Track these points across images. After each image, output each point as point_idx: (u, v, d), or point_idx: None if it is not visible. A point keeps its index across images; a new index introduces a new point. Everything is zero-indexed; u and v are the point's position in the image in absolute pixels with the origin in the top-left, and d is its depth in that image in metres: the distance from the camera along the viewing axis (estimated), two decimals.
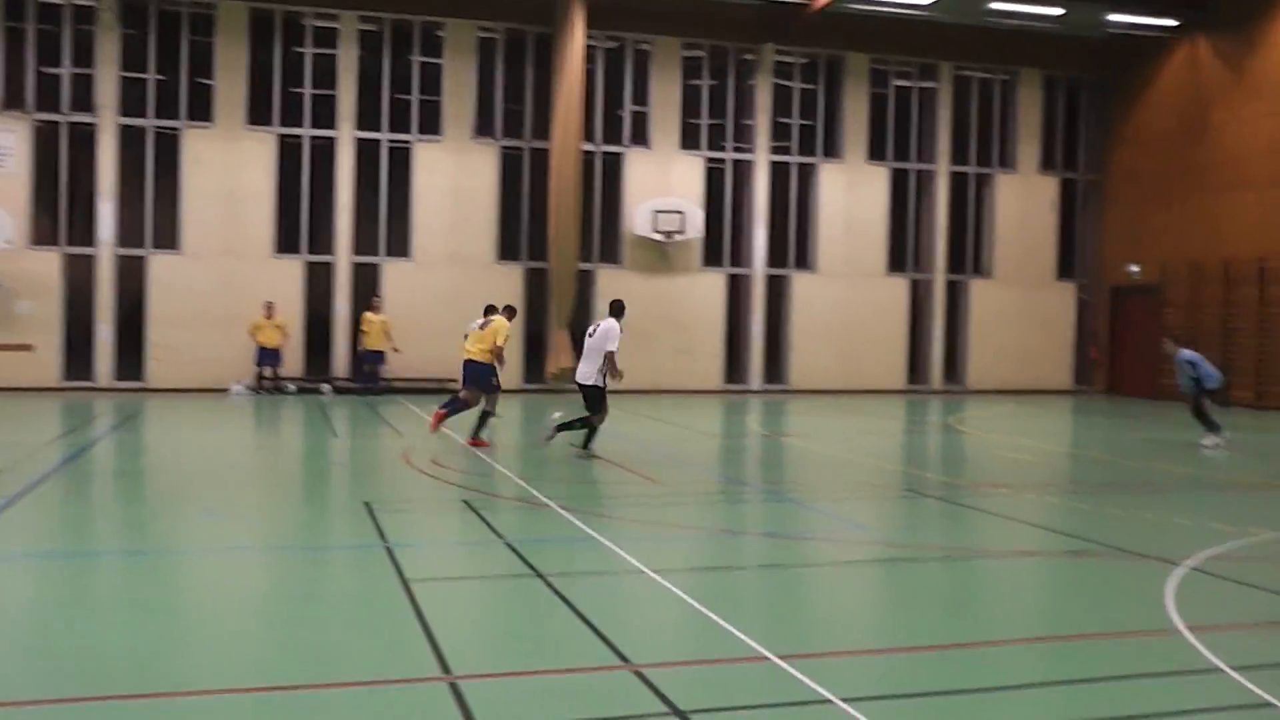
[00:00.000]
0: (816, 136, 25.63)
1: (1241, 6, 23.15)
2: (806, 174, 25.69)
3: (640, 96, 24.84)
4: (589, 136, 24.42)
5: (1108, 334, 27.09)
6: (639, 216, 24.19)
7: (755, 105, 25.25)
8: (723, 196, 25.22)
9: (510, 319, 14.60)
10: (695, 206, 24.49)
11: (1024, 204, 26.87)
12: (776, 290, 25.59)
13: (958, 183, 26.60)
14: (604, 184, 24.75)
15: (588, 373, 13.26)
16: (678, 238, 24.18)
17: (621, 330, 13.22)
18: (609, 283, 24.52)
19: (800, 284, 25.45)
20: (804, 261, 25.77)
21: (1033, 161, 26.92)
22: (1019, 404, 23.70)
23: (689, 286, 24.90)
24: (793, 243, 25.63)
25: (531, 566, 7.83)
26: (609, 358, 13.05)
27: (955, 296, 26.77)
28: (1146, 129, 25.91)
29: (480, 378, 14.43)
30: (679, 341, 24.79)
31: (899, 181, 26.21)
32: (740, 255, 25.50)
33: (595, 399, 13.32)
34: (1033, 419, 21.16)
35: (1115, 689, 5.63)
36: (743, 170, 25.44)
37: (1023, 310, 26.74)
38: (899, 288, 26.05)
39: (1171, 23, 24.58)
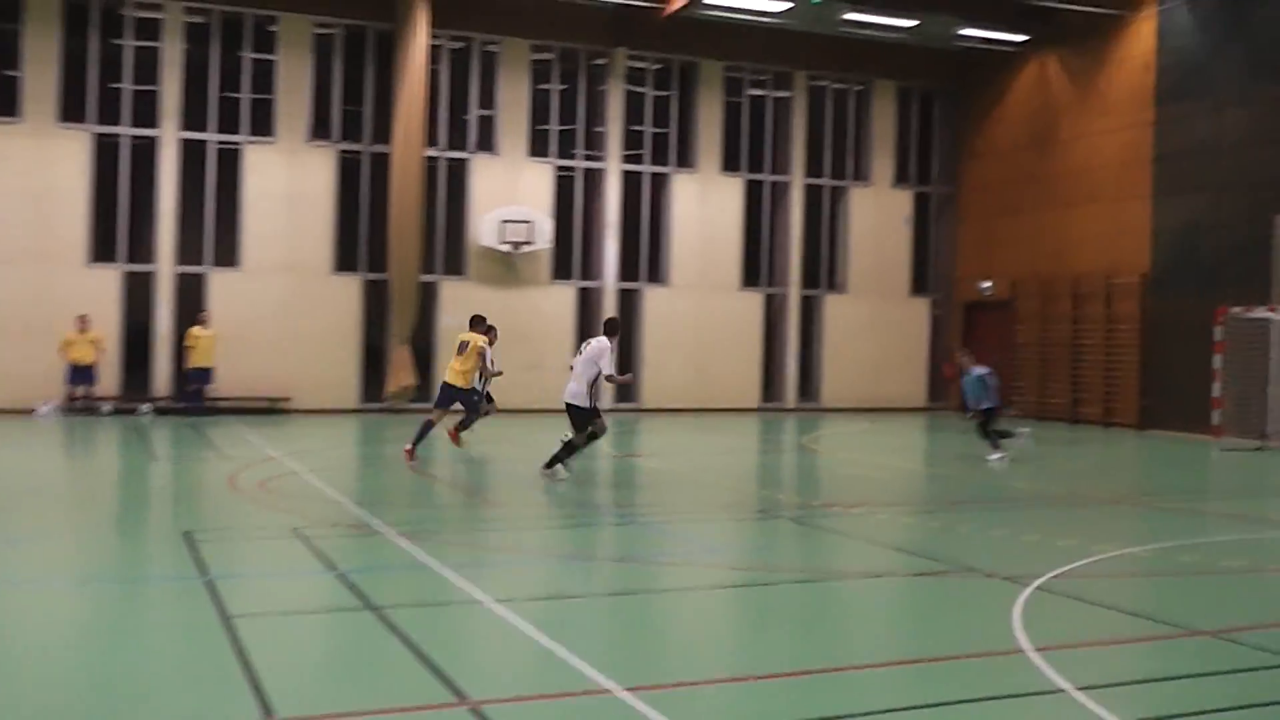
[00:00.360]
0: (670, 145, 25.89)
1: (1088, 24, 24.27)
2: (659, 184, 25.93)
3: (487, 100, 24.72)
4: (433, 141, 24.18)
5: (961, 350, 27.95)
6: (485, 226, 24.04)
7: (607, 112, 25.38)
8: (573, 206, 25.26)
9: (490, 335, 15.36)
10: (544, 216, 24.46)
11: (878, 217, 27.60)
12: (628, 304, 25.72)
13: (812, 195, 27.18)
14: (448, 191, 24.53)
15: (576, 392, 13.38)
16: (526, 249, 24.10)
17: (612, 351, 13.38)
18: (453, 295, 24.29)
19: (652, 298, 25.64)
20: (656, 274, 25.97)
21: (887, 174, 27.69)
22: (873, 421, 24.29)
23: (538, 299, 24.84)
24: (645, 255, 25.82)
25: (364, 598, 7.68)
26: (598, 378, 13.18)
27: (810, 311, 27.31)
28: (998, 142, 26.91)
29: (458, 399, 15.14)
30: (527, 357, 24.68)
31: (753, 193, 26.66)
32: (591, 267, 25.57)
33: (583, 419, 13.40)
34: (886, 436, 21.68)
35: (963, 713, 5.78)
36: (594, 179, 25.53)
37: (877, 326, 27.43)
38: (753, 302, 26.46)
39: (1021, 38, 25.60)
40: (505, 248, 24.02)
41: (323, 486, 12.74)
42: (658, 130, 25.85)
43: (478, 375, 14.67)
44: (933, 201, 28.37)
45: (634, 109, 25.74)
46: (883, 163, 27.61)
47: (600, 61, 25.44)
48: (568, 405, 13.50)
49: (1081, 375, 24.39)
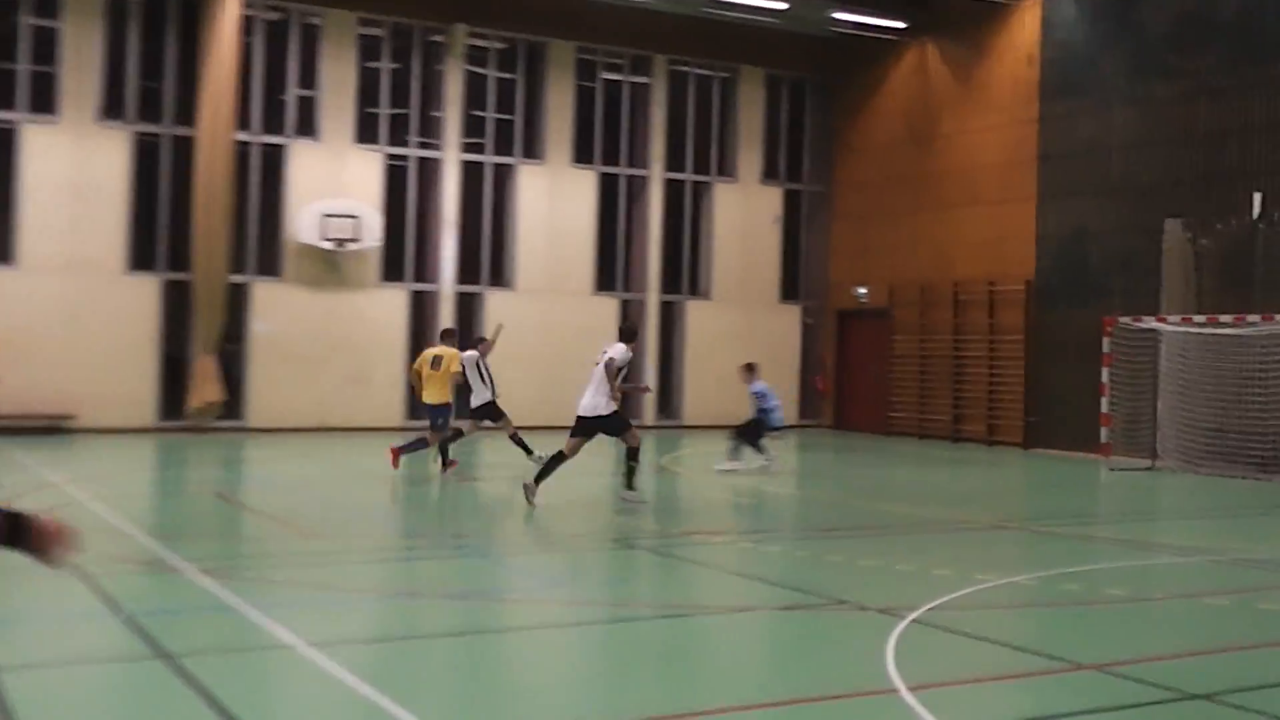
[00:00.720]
0: (515, 134, 25.85)
1: (969, 12, 25.03)
2: (503, 176, 25.85)
3: (308, 79, 24.33)
4: (244, 124, 23.69)
5: (834, 362, 28.54)
6: (305, 221, 23.64)
7: (445, 95, 25.22)
8: (405, 200, 25.01)
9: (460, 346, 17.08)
10: (373, 210, 24.17)
11: (745, 217, 27.98)
12: (468, 309, 25.57)
13: (673, 191, 27.43)
14: (263, 181, 24.05)
15: (593, 404, 13.73)
16: (351, 246, 23.78)
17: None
18: (267, 298, 23.82)
19: (496, 303, 25.52)
20: (500, 277, 25.87)
21: (754, 170, 28.10)
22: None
23: (364, 304, 24.52)
24: (487, 255, 25.70)
25: (155, 645, 7.43)
26: (609, 371, 13.63)
27: (670, 319, 27.54)
28: (874, 137, 27.55)
29: (440, 416, 16.55)
30: (351, 369, 24.33)
31: (608, 188, 26.78)
32: (426, 268, 25.34)
33: (617, 426, 13.88)
34: (753, 457, 21.93)
35: None
36: (429, 170, 25.32)
37: (744, 335, 27.76)
38: (607, 309, 26.56)
39: (899, 24, 26.26)
40: (327, 245, 23.65)
41: (111, 517, 12.33)
42: (502, 117, 25.78)
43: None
44: (804, 200, 28.88)
45: (475, 92, 25.63)
46: (750, 157, 28.01)
47: (437, 39, 25.28)
48: (587, 419, 13.68)
49: (963, 390, 25.07)
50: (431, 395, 16.65)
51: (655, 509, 15.35)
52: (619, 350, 14.01)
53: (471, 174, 25.58)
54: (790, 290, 28.74)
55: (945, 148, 25.70)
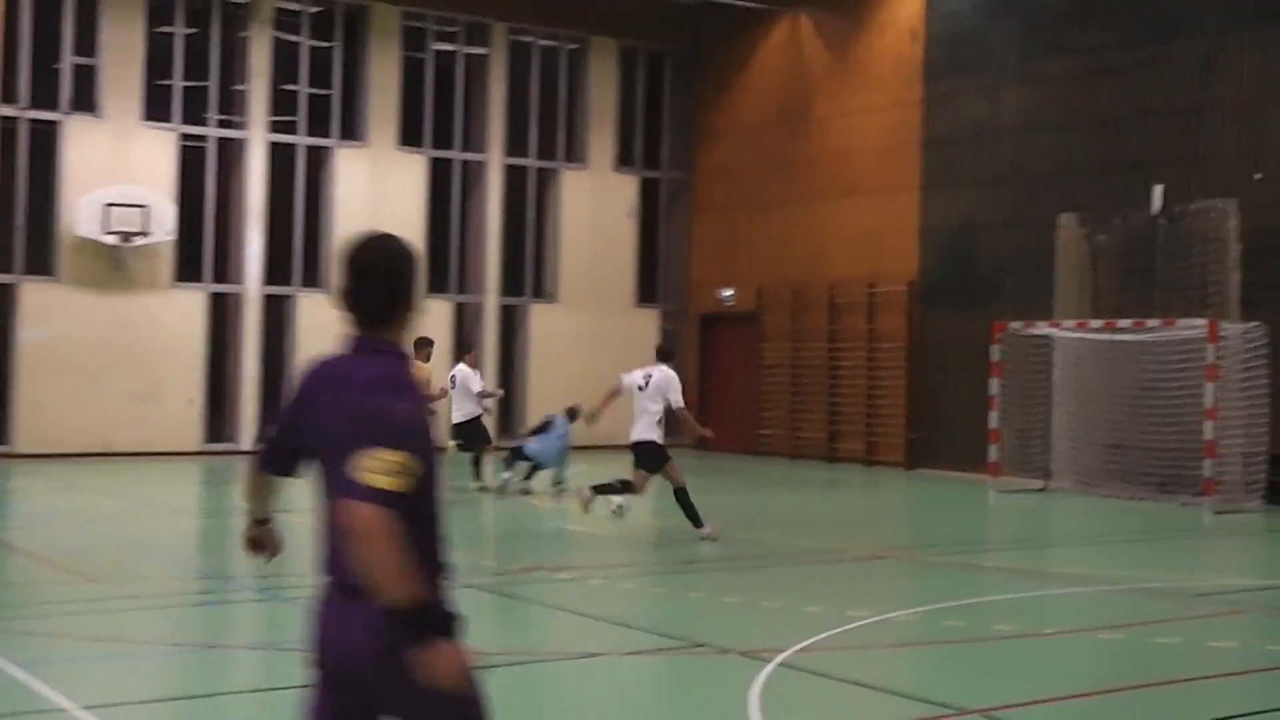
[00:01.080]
0: (332, 112, 25.59)
1: None
2: (318, 160, 25.58)
3: (86, 45, 23.77)
4: (9, 96, 23.08)
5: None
6: (83, 211, 23.10)
7: (249, 66, 24.86)
8: (203, 187, 24.60)
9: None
10: (164, 199, 23.71)
11: (596, 208, 28.08)
12: (277, 314, 25.22)
13: (514, 179, 27.41)
14: (31, 164, 23.43)
15: (647, 429, 14.68)
16: (139, 241, 23.31)
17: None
18: (39, 301, 23.21)
19: (309, 307, 25.22)
20: (313, 277, 25.58)
21: (607, 155, 28.24)
22: (590, 462, 24.56)
23: (155, 308, 24.04)
24: (299, 251, 25.39)
25: None
26: (682, 415, 14.84)
27: (511, 324, 27.51)
28: (742, 119, 27.89)
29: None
30: (140, 384, 23.82)
31: (440, 174, 26.66)
32: (229, 267, 24.95)
33: (655, 459, 14.62)
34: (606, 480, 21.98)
35: None
36: (231, 152, 24.93)
37: (595, 342, 27.82)
38: (440, 312, 26.39)
39: None
40: (111, 240, 23.15)
41: None
42: (316, 92, 25.52)
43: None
44: (663, 190, 29.10)
45: (285, 64, 25.32)
46: (602, 141, 28.14)
47: (240, 0, 24.92)
48: (639, 444, 14.68)
49: (840, 404, 25.45)
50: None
51: (493, 541, 15.32)
52: (666, 374, 14.93)
53: (281, 157, 25.24)
54: (647, 292, 28.92)
55: (820, 131, 26.12)
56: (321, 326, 25.26)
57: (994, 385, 20.61)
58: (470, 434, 19.30)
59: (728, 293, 27.87)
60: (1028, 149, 22.38)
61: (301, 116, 25.38)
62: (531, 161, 27.51)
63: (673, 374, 14.96)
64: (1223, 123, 19.93)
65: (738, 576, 12.48)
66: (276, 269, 25.20)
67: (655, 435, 14.72)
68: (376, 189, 25.88)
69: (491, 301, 27.01)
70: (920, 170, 24.09)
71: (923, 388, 24.02)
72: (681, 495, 14.53)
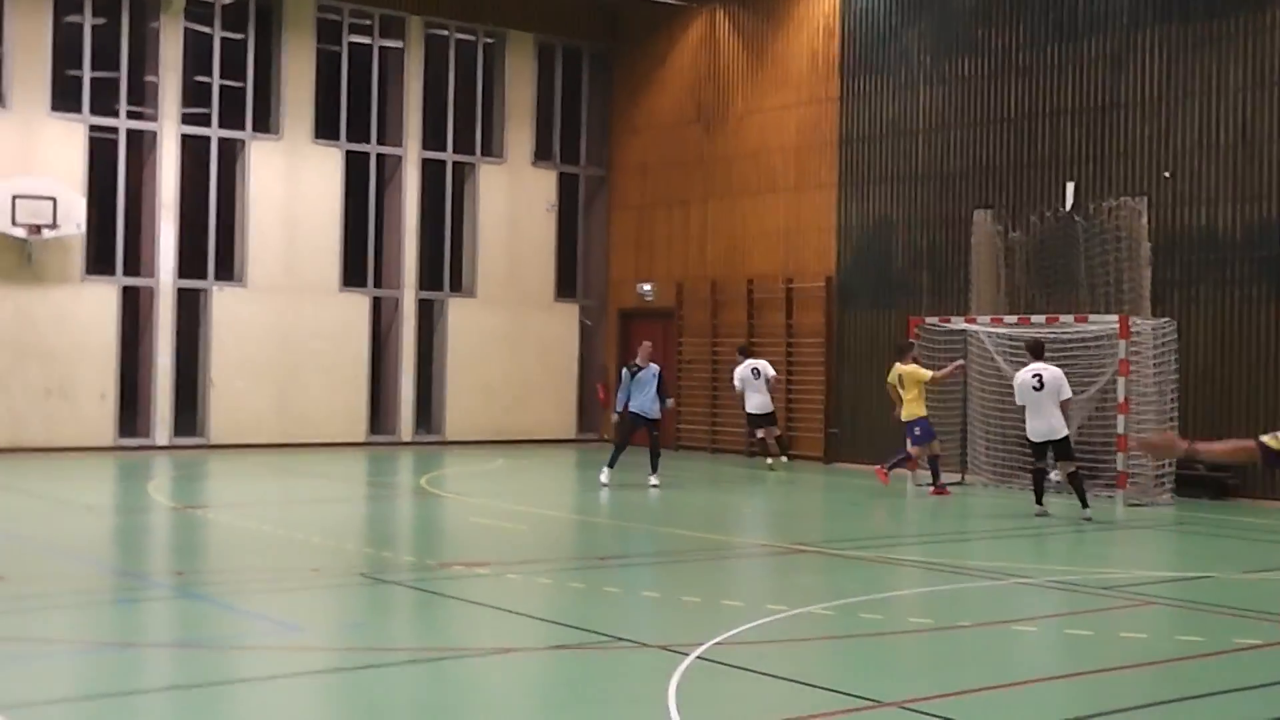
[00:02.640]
0: (246, 104, 25.31)
1: None
2: (231, 152, 25.29)
3: None
4: None
5: (617, 368, 28.71)
6: None
7: (161, 57, 24.53)
8: (114, 179, 24.24)
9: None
10: (74, 191, 23.35)
11: (515, 203, 28.00)
12: (191, 309, 24.93)
13: (432, 173, 27.27)
14: None
15: (1056, 423, 16.69)
16: (48, 234, 22.95)
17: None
18: None
19: (224, 301, 24.95)
20: (228, 271, 25.30)
21: (525, 150, 28.16)
22: (510, 458, 24.56)
23: (65, 302, 23.67)
24: (213, 245, 25.09)
25: None
26: (1070, 409, 17.14)
27: (429, 320, 27.37)
28: (660, 116, 27.91)
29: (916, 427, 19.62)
30: (50, 379, 23.46)
31: (356, 168, 26.45)
32: (141, 261, 24.61)
33: (1068, 448, 17.10)
34: (525, 476, 22.01)
35: None
36: (143, 144, 24.59)
37: (514, 338, 27.79)
38: (356, 308, 26.25)
39: None
40: (19, 233, 22.78)
41: None
42: (229, 84, 25.22)
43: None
44: (581, 185, 29.08)
45: (198, 55, 25.01)
46: (520, 135, 28.06)
47: None
48: (1060, 440, 16.75)
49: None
50: (906, 411, 19.29)
51: (410, 537, 15.26)
52: (1060, 374, 17.00)
53: (194, 150, 24.93)
54: (567, 287, 28.89)
55: (738, 129, 26.20)
56: (236, 320, 25.04)
57: None
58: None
59: (646, 288, 27.90)
60: (943, 147, 22.57)
61: (214, 108, 25.07)
62: (449, 155, 27.37)
63: (1059, 370, 16.98)
64: (1132, 121, 20.19)
65: (656, 571, 12.48)
66: (190, 262, 24.89)
67: (1068, 428, 16.92)
68: (291, 182, 25.65)
69: (409, 297, 26.85)
70: (837, 167, 24.22)
71: (841, 383, 24.17)
72: (1075, 478, 16.72)
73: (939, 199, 22.54)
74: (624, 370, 20.22)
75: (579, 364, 28.84)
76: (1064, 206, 20.50)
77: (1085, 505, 16.48)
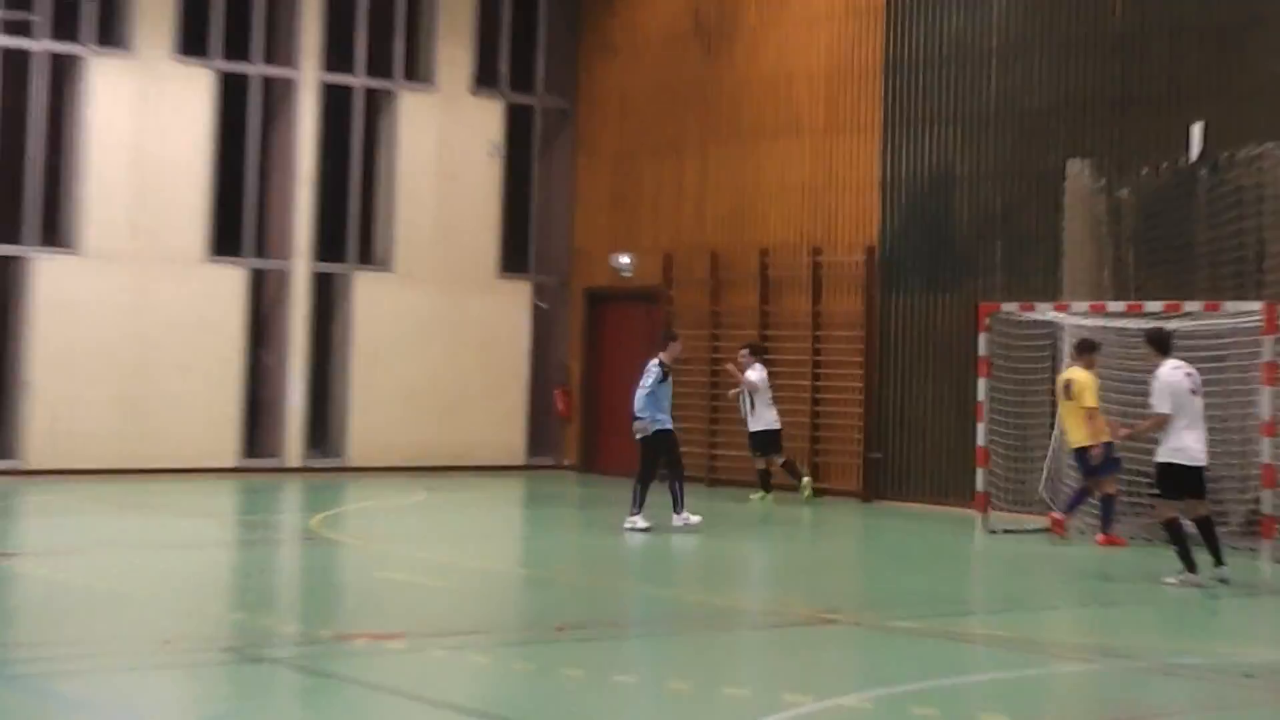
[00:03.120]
0: (84, 10, 25.07)
1: None
2: (63, 73, 25.09)
3: None
4: None
5: (581, 368, 28.54)
6: None
7: None
8: None
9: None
10: None
11: (448, 145, 27.79)
12: (4, 282, 24.71)
13: (335, 103, 27.04)
14: None
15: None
16: None
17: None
18: None
19: (48, 274, 24.69)
20: (54, 234, 25.11)
21: (461, 73, 27.97)
22: (437, 490, 24.39)
23: None
24: (35, 198, 24.84)
25: None
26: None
27: (328, 302, 27.19)
28: (643, 32, 27.71)
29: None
30: None
31: (232, 95, 26.22)
32: None
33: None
34: (457, 515, 21.91)
35: None
36: None
37: (445, 327, 27.56)
38: (229, 284, 26.03)
39: None
40: None
41: None
42: None
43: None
44: (537, 122, 28.89)
45: None
46: (455, 54, 27.91)
47: None
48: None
49: (783, 406, 25.29)
50: (1074, 434, 19.03)
51: (296, 599, 15.08)
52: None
53: (13, 67, 24.71)
54: (516, 259, 28.72)
55: (750, 49, 26.01)
56: (64, 299, 24.73)
57: (981, 388, 20.55)
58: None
59: (624, 261, 27.69)
60: (1023, 76, 22.37)
61: (44, 15, 24.82)
62: (358, 80, 27.15)
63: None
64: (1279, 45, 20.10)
65: (635, 647, 12.30)
66: (6, 222, 24.64)
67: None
68: (146, 113, 25.45)
69: (301, 270, 26.61)
70: (881, 102, 24.05)
71: (885, 391, 23.94)
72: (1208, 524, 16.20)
73: (1018, 146, 22.34)
74: (656, 369, 19.99)
75: (531, 362, 28.63)
76: (1187, 156, 20.35)
77: (1220, 561, 16.17)
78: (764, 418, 23.02)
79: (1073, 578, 17.29)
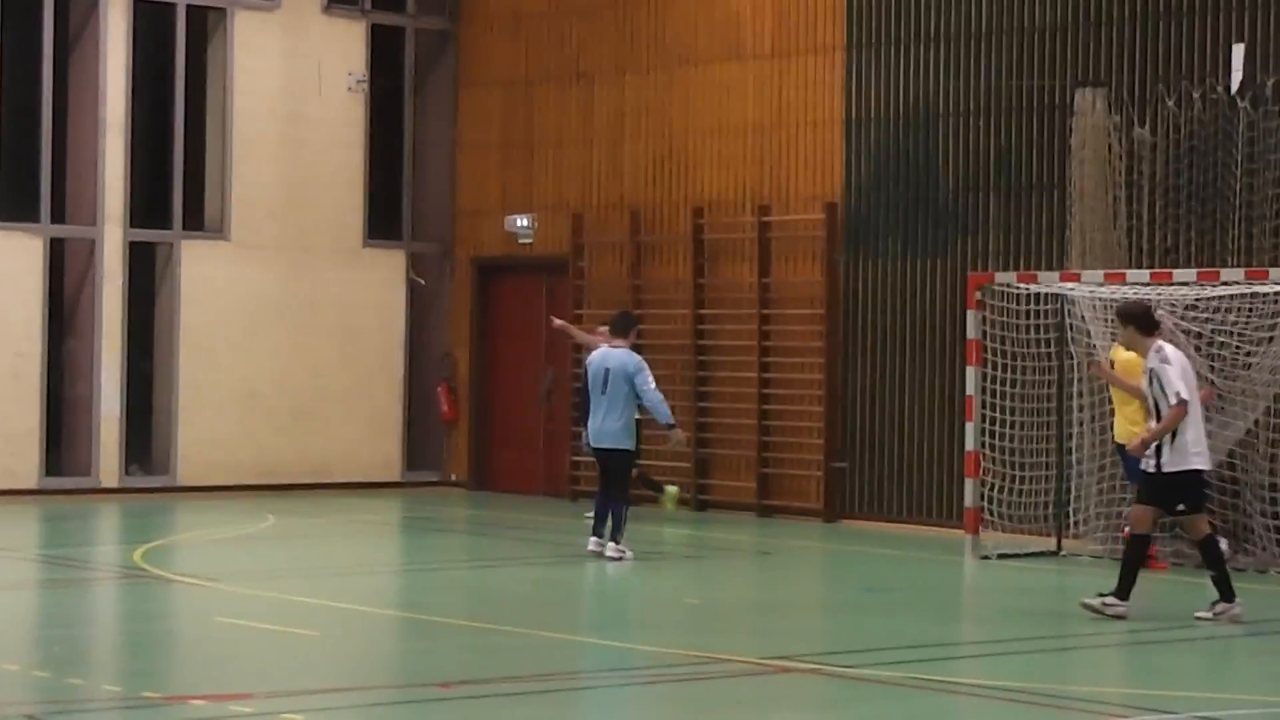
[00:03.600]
0: None
1: None
2: None
3: None
4: None
5: (469, 355, 28.56)
6: None
7: None
8: None
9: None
10: None
11: (296, 78, 27.74)
12: None
13: (151, 25, 26.92)
14: None
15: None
16: None
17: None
18: None
19: None
20: None
21: None
22: (289, 514, 24.36)
23: None
24: None
25: None
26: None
27: (149, 278, 27.13)
28: None
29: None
30: None
31: (17, 15, 26.18)
32: None
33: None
34: (315, 547, 21.96)
35: None
36: None
37: (298, 311, 27.51)
38: (21, 255, 25.98)
39: None
40: None
41: None
42: None
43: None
44: (410, 48, 28.92)
45: None
46: None
47: None
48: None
49: (714, 411, 25.42)
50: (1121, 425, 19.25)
51: (115, 652, 15.08)
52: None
53: None
54: (385, 222, 28.81)
55: None
56: None
57: (971, 377, 20.71)
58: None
59: (522, 223, 27.73)
60: None
61: None
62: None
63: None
64: None
65: (538, 705, 12.40)
66: None
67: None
68: None
69: (112, 238, 26.53)
70: (845, 18, 24.17)
71: (852, 385, 24.04)
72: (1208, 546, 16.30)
73: (1015, 72, 22.46)
74: (641, 361, 20.52)
75: (407, 353, 28.64)
76: (1225, 84, 20.52)
77: (1226, 594, 16.09)
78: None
79: (1074, 614, 17.47)
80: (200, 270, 27.18)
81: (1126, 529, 17.12)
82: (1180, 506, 16.04)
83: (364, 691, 12.83)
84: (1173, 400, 15.65)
